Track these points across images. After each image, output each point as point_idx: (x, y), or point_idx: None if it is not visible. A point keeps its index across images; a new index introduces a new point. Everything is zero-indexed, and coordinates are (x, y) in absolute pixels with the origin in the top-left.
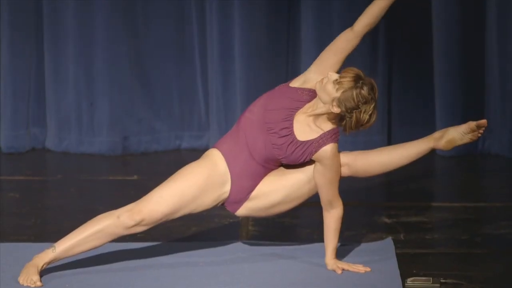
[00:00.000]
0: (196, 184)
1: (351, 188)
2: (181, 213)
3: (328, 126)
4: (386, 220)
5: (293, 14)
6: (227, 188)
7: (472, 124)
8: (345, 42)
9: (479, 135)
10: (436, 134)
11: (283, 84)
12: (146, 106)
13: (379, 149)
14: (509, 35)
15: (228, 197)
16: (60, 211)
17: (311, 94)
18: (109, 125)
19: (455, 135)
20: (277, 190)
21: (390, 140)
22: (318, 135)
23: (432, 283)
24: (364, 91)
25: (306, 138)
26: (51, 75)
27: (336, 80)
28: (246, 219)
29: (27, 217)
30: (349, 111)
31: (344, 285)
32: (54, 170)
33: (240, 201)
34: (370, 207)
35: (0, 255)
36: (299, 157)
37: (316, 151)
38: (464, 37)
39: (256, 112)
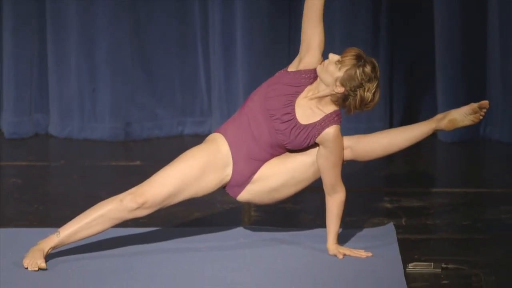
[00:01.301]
0: (198, 166)
1: (353, 174)
2: (183, 196)
3: (330, 108)
4: (388, 205)
5: (294, 4)
6: (229, 170)
7: (474, 105)
8: (309, 8)
9: (481, 117)
10: (439, 116)
11: (282, 70)
12: (149, 92)
13: (381, 132)
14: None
15: (230, 180)
16: (62, 197)
17: (309, 76)
18: (112, 112)
19: (457, 116)
20: (280, 173)
21: (391, 126)
22: (321, 117)
23: (434, 268)
24: (367, 68)
25: (309, 121)
26: (54, 62)
27: (338, 60)
28: (248, 205)
29: (29, 203)
30: (353, 89)
31: (345, 270)
32: (57, 156)
33: (242, 184)
34: (372, 192)
35: (2, 240)
36: (303, 141)
37: (319, 134)
38: (466, 26)
39: (257, 100)
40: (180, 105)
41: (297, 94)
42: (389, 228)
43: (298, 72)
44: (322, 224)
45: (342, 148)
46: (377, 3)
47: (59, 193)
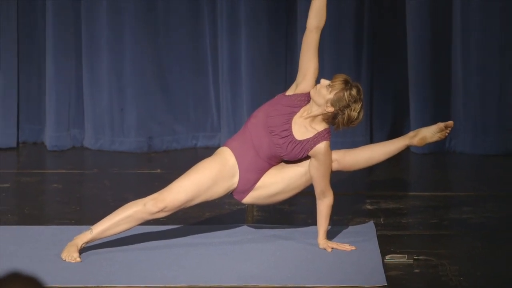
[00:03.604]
0: (210, 176)
1: (339, 181)
2: (197, 201)
3: (321, 126)
4: (369, 207)
5: (290, 35)
6: (236, 179)
7: (441, 124)
8: (307, 41)
9: (447, 134)
10: (411, 133)
11: (281, 93)
12: (167, 111)
13: (363, 147)
14: (470, 51)
15: (237, 187)
16: (95, 200)
17: (304, 99)
18: (137, 127)
19: (426, 133)
20: (278, 182)
21: (372, 140)
22: (313, 134)
23: (407, 259)
24: (353, 91)
25: (303, 137)
26: (88, 85)
27: (329, 84)
28: (251, 206)
29: (68, 205)
30: (341, 109)
31: (333, 261)
32: (91, 165)
33: (247, 191)
34: (355, 196)
35: (46, 236)
36: (297, 154)
37: (312, 148)
38: (433, 55)
39: (260, 118)
40: (194, 122)
41: (293, 113)
42: (370, 226)
43: (295, 95)
44: (314, 223)
45: (331, 160)
46: (360, 36)
47: (93, 196)
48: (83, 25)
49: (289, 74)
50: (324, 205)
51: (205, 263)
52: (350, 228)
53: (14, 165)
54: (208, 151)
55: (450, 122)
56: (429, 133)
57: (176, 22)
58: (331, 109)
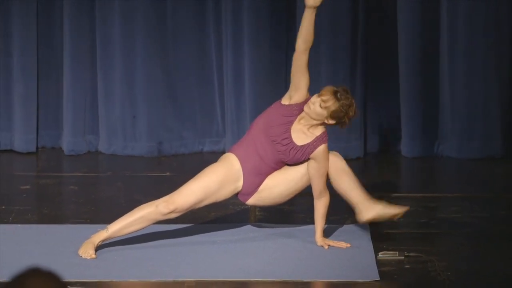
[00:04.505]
0: (217, 180)
1: None
2: (205, 203)
3: (319, 130)
4: None
5: (290, 48)
6: (240, 183)
7: (396, 215)
8: (297, 62)
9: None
10: (366, 206)
11: (277, 102)
12: (176, 118)
13: (344, 181)
14: (456, 62)
15: (241, 190)
16: (109, 200)
17: (299, 108)
18: (147, 133)
19: (378, 216)
20: (280, 184)
21: (365, 144)
22: (312, 139)
23: (398, 256)
24: (344, 100)
25: (303, 142)
26: (103, 93)
27: (321, 105)
28: (254, 206)
29: (84, 205)
30: (342, 118)
31: (330, 258)
32: (105, 168)
33: (251, 193)
34: None
35: (63, 234)
36: (300, 158)
37: (312, 152)
38: (423, 65)
39: (261, 127)
40: (200, 128)
41: (291, 122)
42: (364, 225)
43: (290, 106)
44: (312, 222)
45: (328, 161)
46: (354, 48)
47: (107, 197)
48: (98, 38)
49: (288, 79)
50: (321, 205)
51: (211, 260)
52: (346, 227)
53: (34, 168)
54: (213, 156)
55: (401, 214)
56: (383, 215)
57: (184, 36)
58: (332, 122)
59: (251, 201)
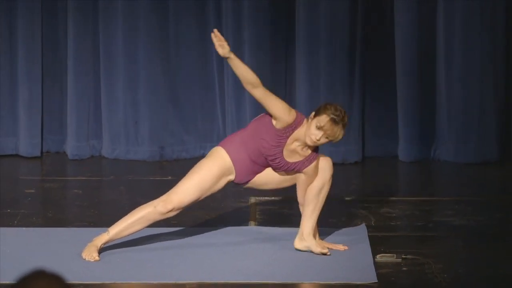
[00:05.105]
0: (211, 176)
1: (336, 188)
2: (201, 198)
3: (311, 149)
4: (361, 211)
5: (289, 55)
6: (233, 176)
7: (322, 251)
8: (256, 99)
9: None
10: (303, 235)
11: (266, 116)
12: (178, 123)
13: (312, 201)
14: (453, 68)
15: (235, 179)
16: (112, 204)
17: (291, 129)
18: (150, 138)
19: (311, 246)
20: (268, 183)
21: (364, 147)
22: (305, 157)
23: (396, 258)
24: (343, 121)
25: (297, 159)
26: (106, 99)
27: (328, 138)
28: (254, 209)
29: (87, 208)
30: (342, 137)
31: (328, 260)
32: (108, 172)
33: (242, 185)
34: (349, 201)
35: (67, 237)
36: (291, 170)
37: (305, 168)
38: (419, 71)
39: (253, 139)
40: (202, 133)
41: (283, 144)
42: (362, 228)
43: (282, 129)
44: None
45: (317, 171)
46: (352, 54)
47: (110, 201)
48: (101, 44)
49: (288, 88)
50: (322, 192)
51: (212, 262)
52: (344, 230)
53: (38, 173)
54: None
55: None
56: (310, 250)
57: (185, 42)
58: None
59: (246, 185)
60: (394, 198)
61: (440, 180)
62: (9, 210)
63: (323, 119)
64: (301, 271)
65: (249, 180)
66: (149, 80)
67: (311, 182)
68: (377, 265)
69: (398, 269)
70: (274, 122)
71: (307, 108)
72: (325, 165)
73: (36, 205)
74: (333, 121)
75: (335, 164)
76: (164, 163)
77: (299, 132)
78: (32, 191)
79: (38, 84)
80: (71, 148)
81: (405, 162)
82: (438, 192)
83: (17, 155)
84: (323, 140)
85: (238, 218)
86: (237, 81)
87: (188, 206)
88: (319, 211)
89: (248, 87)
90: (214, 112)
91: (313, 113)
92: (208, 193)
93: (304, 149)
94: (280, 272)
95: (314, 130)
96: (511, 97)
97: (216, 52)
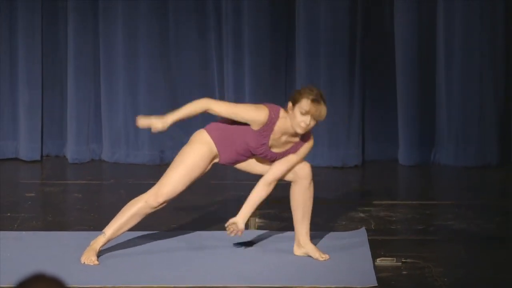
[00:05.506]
0: (197, 162)
1: (336, 192)
2: (190, 184)
3: (297, 137)
4: (361, 214)
5: (288, 60)
6: (217, 159)
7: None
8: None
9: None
10: (301, 242)
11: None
12: (178, 127)
13: (302, 204)
14: (452, 71)
15: (219, 161)
16: (112, 208)
17: (270, 127)
18: (150, 142)
19: (307, 254)
20: (253, 170)
21: (364, 151)
22: (294, 143)
23: (396, 262)
24: (322, 98)
25: (286, 148)
26: (106, 103)
27: (315, 119)
28: (254, 214)
29: (87, 212)
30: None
31: (328, 264)
32: (108, 176)
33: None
34: (349, 205)
35: (67, 240)
36: (279, 158)
37: (298, 149)
38: (419, 75)
39: (240, 135)
40: None
41: (267, 141)
42: (362, 232)
43: (260, 130)
44: (313, 229)
45: (302, 158)
46: (352, 53)
47: (110, 204)
48: (101, 49)
49: (288, 88)
50: (265, 192)
51: (212, 265)
52: (344, 233)
53: (39, 176)
54: (214, 165)
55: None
56: (308, 255)
57: (186, 47)
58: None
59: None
60: (394, 202)
61: (440, 184)
62: (9, 214)
63: (305, 103)
64: (301, 275)
65: (234, 162)
66: (149, 84)
67: (294, 161)
68: (377, 269)
69: (398, 273)
70: (250, 125)
71: None
72: (303, 172)
73: (36, 208)
74: (315, 101)
75: (335, 168)
76: (164, 167)
77: (284, 125)
78: (32, 194)
79: (38, 88)
80: (71, 151)
81: (405, 165)
82: (438, 196)
83: (17, 159)
84: (312, 123)
85: None
86: (237, 84)
87: (177, 195)
88: (309, 215)
89: (210, 112)
90: (214, 115)
91: (289, 103)
92: (196, 178)
93: (292, 136)
94: (280, 276)
95: (300, 117)
96: (511, 100)
97: (216, 54)
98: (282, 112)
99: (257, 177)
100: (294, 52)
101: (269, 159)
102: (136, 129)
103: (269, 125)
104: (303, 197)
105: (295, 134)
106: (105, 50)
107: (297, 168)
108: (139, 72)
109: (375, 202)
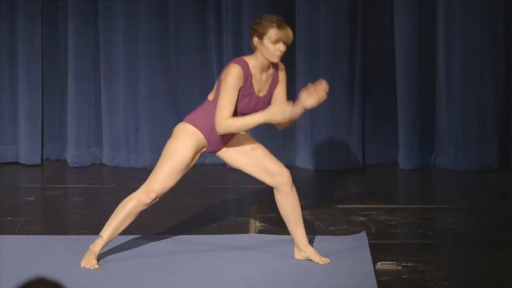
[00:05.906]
0: (186, 155)
1: (336, 195)
2: (181, 178)
3: (271, 69)
4: (361, 218)
5: (288, 58)
6: (205, 148)
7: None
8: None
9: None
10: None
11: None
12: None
13: (294, 211)
14: (452, 73)
15: (207, 150)
16: (113, 212)
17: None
18: (150, 145)
19: (308, 258)
20: (234, 162)
21: (364, 155)
22: (271, 79)
23: (396, 266)
24: (283, 20)
25: (267, 86)
26: (106, 107)
27: (286, 44)
28: (254, 219)
29: (87, 216)
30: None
31: (329, 268)
32: (108, 180)
33: (214, 153)
34: (350, 209)
35: (67, 244)
36: (268, 102)
37: (277, 74)
38: (419, 78)
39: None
40: None
41: (252, 93)
42: (362, 235)
43: (243, 86)
44: (312, 233)
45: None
46: (353, 53)
47: (110, 208)
48: (102, 52)
49: (288, 89)
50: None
51: (212, 269)
52: (345, 237)
53: (39, 180)
54: (214, 168)
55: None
56: (309, 259)
57: (186, 47)
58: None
59: (217, 153)
60: (394, 206)
61: (441, 188)
62: (9, 218)
63: (273, 32)
64: (302, 279)
65: (221, 148)
66: (150, 87)
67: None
68: (377, 273)
69: (398, 276)
70: (211, 95)
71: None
72: (282, 179)
73: (36, 212)
74: (281, 26)
75: (335, 171)
76: None
77: (256, 62)
78: (33, 198)
79: (38, 92)
80: (71, 155)
81: (405, 169)
82: (438, 200)
83: (17, 163)
84: (284, 48)
85: (238, 226)
86: None
87: (171, 189)
88: (301, 218)
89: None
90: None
91: (255, 38)
92: (186, 170)
93: (269, 70)
94: (281, 280)
95: (273, 47)
96: (511, 103)
97: (217, 57)
98: (245, 57)
99: (256, 179)
100: (294, 52)
101: (260, 107)
102: (137, 133)
103: (246, 75)
104: (290, 203)
105: (269, 66)
106: (105, 50)
107: (275, 174)
108: (139, 75)
109: (375, 206)
